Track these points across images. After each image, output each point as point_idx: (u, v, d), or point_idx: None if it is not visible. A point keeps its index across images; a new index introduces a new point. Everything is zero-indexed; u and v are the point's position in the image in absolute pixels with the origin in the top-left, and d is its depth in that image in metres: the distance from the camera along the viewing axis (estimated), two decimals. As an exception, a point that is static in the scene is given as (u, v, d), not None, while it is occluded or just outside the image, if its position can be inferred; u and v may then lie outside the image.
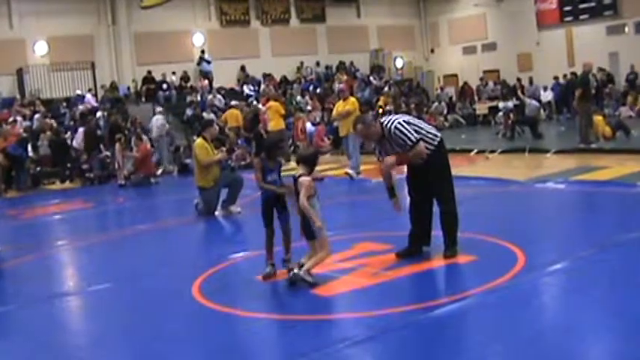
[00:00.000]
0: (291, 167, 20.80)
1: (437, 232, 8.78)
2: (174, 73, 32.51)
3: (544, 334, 5.86)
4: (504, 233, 9.25)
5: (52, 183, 22.66)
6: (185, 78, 33.07)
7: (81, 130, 23.56)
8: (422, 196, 8.72)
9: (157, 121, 25.00)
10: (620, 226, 9.78)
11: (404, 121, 8.39)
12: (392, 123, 8.29)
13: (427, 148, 8.35)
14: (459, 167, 17.16)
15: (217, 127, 14.13)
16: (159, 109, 26.91)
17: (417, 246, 8.69)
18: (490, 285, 7.12)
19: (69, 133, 25.28)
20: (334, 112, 18.02)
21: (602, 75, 31.19)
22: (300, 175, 7.92)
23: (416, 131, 8.29)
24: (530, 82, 34.08)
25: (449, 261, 8.36)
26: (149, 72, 31.80)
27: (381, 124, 8.39)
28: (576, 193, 12.08)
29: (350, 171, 16.81)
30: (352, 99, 17.65)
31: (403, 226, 8.98)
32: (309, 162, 8.14)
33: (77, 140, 23.48)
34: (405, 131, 8.22)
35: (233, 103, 27.64)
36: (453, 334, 6.22)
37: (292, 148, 24.73)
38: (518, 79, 34.99)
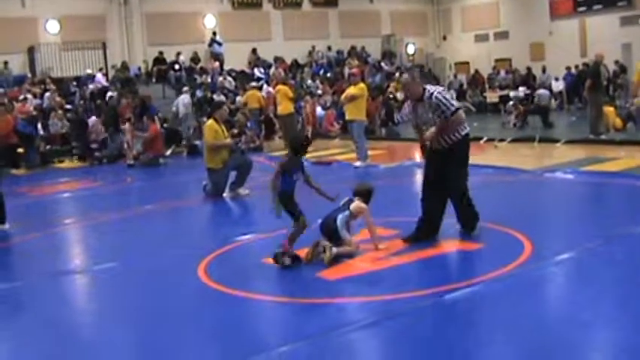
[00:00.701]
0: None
1: (445, 220, 8.77)
2: (179, 53, 32.36)
3: (549, 323, 5.85)
4: (512, 222, 9.22)
5: (61, 161, 22.69)
6: (195, 59, 33.04)
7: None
8: (436, 187, 8.77)
9: (184, 99, 25.82)
10: (628, 218, 9.75)
11: (445, 92, 8.76)
12: (434, 90, 8.54)
13: (458, 133, 8.58)
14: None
15: (227, 109, 14.09)
16: (185, 88, 27.28)
17: (424, 234, 8.71)
18: (497, 273, 7.11)
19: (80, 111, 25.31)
20: (342, 96, 17.94)
21: (616, 66, 31.05)
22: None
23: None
24: (543, 70, 33.96)
25: (456, 248, 8.38)
26: (160, 52, 31.79)
27: (424, 88, 8.55)
28: (585, 184, 12.04)
29: (357, 163, 16.61)
30: (362, 84, 17.56)
31: (410, 212, 8.98)
32: (364, 196, 8.63)
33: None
34: (446, 99, 8.52)
35: (253, 84, 27.77)
36: (458, 321, 6.21)
37: (302, 131, 24.71)
38: (529, 68, 34.87)
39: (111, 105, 23.91)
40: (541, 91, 26.89)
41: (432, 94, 8.47)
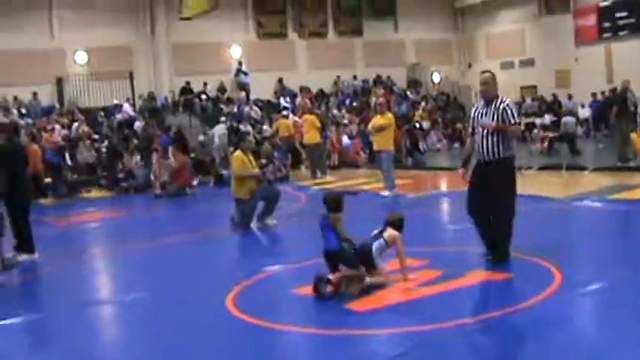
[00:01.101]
0: (325, 181, 20.98)
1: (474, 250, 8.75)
2: (205, 84, 32.59)
3: (579, 353, 5.81)
4: (541, 251, 9.18)
5: (88, 191, 22.79)
6: (222, 89, 33.21)
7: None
8: (483, 209, 9.08)
9: (220, 130, 25.93)
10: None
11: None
12: (507, 98, 9.17)
13: (510, 155, 8.97)
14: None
15: (252, 139, 14.16)
16: (222, 118, 27.64)
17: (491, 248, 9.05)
18: (526, 303, 7.08)
19: (106, 141, 25.46)
20: (370, 126, 17.94)
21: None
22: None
23: None
24: (570, 97, 33.81)
25: (484, 278, 8.34)
26: (187, 82, 32.00)
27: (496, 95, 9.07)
28: (614, 212, 11.98)
29: (385, 193, 16.56)
30: (389, 114, 17.56)
31: (438, 242, 8.96)
32: (396, 225, 8.57)
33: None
34: (514, 110, 9.02)
35: (284, 113, 28.00)
36: (485, 352, 6.19)
37: (329, 159, 24.78)
38: (554, 95, 34.78)
39: (144, 136, 23.92)
40: (567, 118, 26.77)
41: (504, 100, 9.01)
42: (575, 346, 6.03)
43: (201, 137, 26.08)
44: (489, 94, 9.09)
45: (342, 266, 8.07)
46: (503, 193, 8.95)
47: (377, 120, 17.12)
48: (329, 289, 7.83)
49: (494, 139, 8.85)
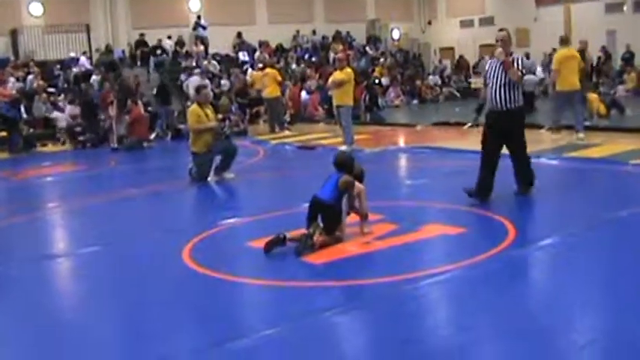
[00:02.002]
0: (283, 135, 20.96)
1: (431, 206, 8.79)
2: (169, 37, 32.28)
3: (530, 306, 5.90)
4: (496, 207, 9.30)
5: (44, 145, 22.54)
6: (180, 43, 32.86)
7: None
8: (494, 149, 9.90)
9: (195, 81, 25.46)
10: (611, 203, 9.81)
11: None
12: (517, 54, 10.33)
13: (518, 105, 9.94)
14: (452, 140, 17.25)
15: (210, 92, 14.07)
16: (197, 70, 27.35)
17: (481, 192, 9.80)
18: (480, 257, 7.14)
19: (62, 95, 25.13)
20: (329, 81, 17.92)
21: (601, 53, 31.12)
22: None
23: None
24: (527, 57, 33.92)
25: (440, 232, 8.41)
26: (141, 35, 31.56)
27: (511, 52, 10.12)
28: (569, 170, 12.10)
29: (343, 147, 16.56)
30: (348, 69, 17.52)
31: (395, 197, 8.99)
32: (358, 178, 8.53)
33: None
34: (522, 63, 10.09)
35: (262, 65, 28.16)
36: (442, 304, 6.25)
37: (286, 114, 24.68)
38: (510, 54, 34.90)
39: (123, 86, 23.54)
40: (529, 76, 26.91)
41: (518, 57, 10.11)
42: (527, 299, 6.12)
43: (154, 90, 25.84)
44: (506, 50, 10.01)
45: (323, 230, 8.04)
46: (517, 135, 9.99)
47: (336, 75, 17.11)
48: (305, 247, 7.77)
49: (505, 90, 9.78)
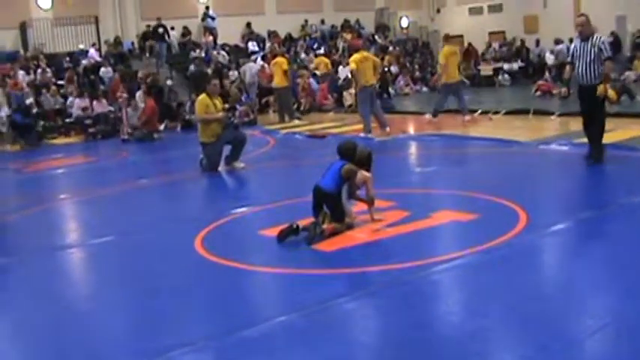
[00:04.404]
0: (293, 125, 20.97)
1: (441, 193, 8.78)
2: (172, 28, 32.22)
3: (543, 291, 5.91)
4: (508, 193, 9.28)
5: (53, 137, 22.59)
6: (185, 34, 32.84)
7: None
8: (590, 117, 11.46)
9: (252, 69, 26.90)
10: (621, 189, 9.82)
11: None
12: (601, 36, 11.55)
13: (601, 81, 11.13)
14: (461, 128, 17.24)
15: (218, 83, 14.10)
16: (253, 57, 28.28)
17: (592, 154, 11.38)
18: (492, 243, 7.15)
19: (70, 87, 25.14)
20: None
21: (611, 38, 31.00)
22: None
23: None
24: (537, 44, 33.82)
25: (451, 219, 8.42)
26: (148, 26, 31.54)
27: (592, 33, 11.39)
28: (579, 156, 12.05)
29: (362, 134, 16.62)
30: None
31: (405, 184, 8.99)
32: (365, 163, 8.55)
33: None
34: (607, 45, 11.29)
35: (321, 51, 30.55)
36: (454, 290, 6.26)
37: (296, 105, 24.68)
38: (522, 41, 34.81)
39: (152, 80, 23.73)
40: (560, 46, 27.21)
41: (599, 37, 11.29)
42: (539, 285, 6.12)
43: (168, 82, 25.88)
44: (585, 33, 11.26)
45: (331, 218, 8.05)
46: (596, 108, 11.30)
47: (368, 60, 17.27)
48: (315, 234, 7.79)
49: (591, 69, 11.09)
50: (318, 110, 25.71)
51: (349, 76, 23.38)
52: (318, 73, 28.51)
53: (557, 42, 31.40)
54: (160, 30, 30.98)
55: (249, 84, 26.85)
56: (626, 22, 32.03)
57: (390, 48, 35.52)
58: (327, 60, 28.00)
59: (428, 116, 19.64)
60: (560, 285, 6.10)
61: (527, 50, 34.41)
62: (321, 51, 33.68)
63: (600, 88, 11.10)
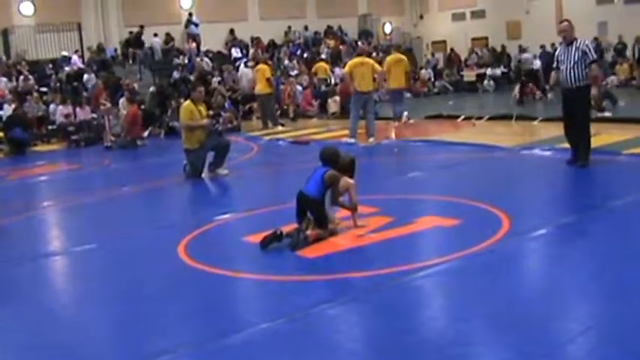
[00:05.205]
0: (276, 131, 20.96)
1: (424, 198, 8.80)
2: (156, 34, 32.21)
3: (526, 297, 5.93)
4: (490, 198, 9.31)
5: (35, 145, 22.45)
6: (169, 40, 32.80)
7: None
8: (571, 121, 11.65)
9: (247, 74, 26.62)
10: (604, 193, 9.86)
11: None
12: (586, 39, 11.94)
13: (586, 83, 11.40)
14: (445, 133, 17.28)
15: (202, 90, 14.08)
16: (250, 63, 27.68)
17: (576, 157, 11.54)
18: (474, 248, 7.16)
19: (55, 94, 25.01)
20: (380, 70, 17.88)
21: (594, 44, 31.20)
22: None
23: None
24: (520, 50, 33.82)
25: (434, 224, 8.44)
26: (130, 32, 31.50)
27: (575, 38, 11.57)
28: (562, 161, 12.11)
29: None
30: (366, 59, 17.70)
31: (388, 190, 9.00)
32: (348, 170, 8.53)
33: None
34: (592, 48, 11.64)
35: (323, 56, 31.60)
36: (437, 296, 6.27)
37: (279, 111, 24.69)
38: (503, 47, 34.97)
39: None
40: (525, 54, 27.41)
41: (584, 41, 11.59)
42: (522, 289, 6.14)
43: (151, 89, 25.83)
44: (569, 38, 11.53)
45: (314, 224, 8.05)
46: (582, 110, 11.53)
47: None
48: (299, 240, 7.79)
49: (575, 72, 11.34)
50: (301, 116, 25.74)
51: (338, 81, 23.64)
52: (316, 78, 28.88)
53: (522, 50, 31.60)
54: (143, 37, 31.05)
55: (243, 88, 26.98)
56: (607, 27, 32.21)
57: (374, 54, 35.56)
58: (326, 65, 28.12)
59: (404, 119, 20.37)
60: (543, 289, 6.12)
61: (509, 56, 34.60)
62: (305, 56, 33.85)
63: (593, 91, 11.48)
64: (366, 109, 16.92)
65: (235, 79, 28.29)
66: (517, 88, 25.42)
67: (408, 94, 24.62)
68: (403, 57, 20.82)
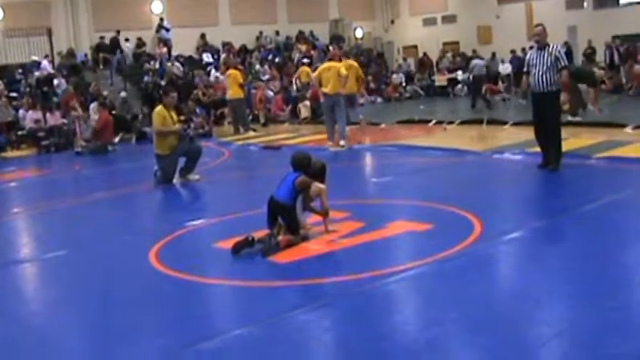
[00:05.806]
0: (248, 136, 20.93)
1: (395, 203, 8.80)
2: (127, 39, 32.09)
3: (499, 300, 5.94)
4: (461, 202, 9.33)
5: (4, 151, 22.24)
6: (140, 45, 32.67)
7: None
8: (542, 126, 11.83)
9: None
10: (575, 196, 9.91)
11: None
12: (558, 45, 12.28)
13: (557, 88, 11.58)
14: (417, 137, 17.32)
15: (175, 95, 14.00)
16: (208, 68, 28.10)
17: (546, 161, 11.71)
18: (446, 253, 7.17)
19: (24, 99, 24.81)
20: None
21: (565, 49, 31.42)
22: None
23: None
24: (493, 56, 33.80)
25: (406, 229, 8.43)
26: (101, 37, 31.33)
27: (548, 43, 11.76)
28: (533, 165, 12.17)
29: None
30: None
31: (361, 195, 8.99)
32: (318, 175, 8.51)
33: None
34: (563, 55, 11.84)
35: (305, 60, 31.39)
36: (409, 300, 6.27)
37: (251, 117, 24.66)
38: (474, 51, 35.17)
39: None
40: (475, 61, 27.35)
41: (556, 47, 11.79)
42: (495, 293, 6.15)
43: (122, 94, 25.72)
44: (542, 42, 11.68)
45: (286, 230, 8.04)
46: (552, 114, 11.71)
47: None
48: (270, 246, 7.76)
49: (547, 77, 11.49)
50: (272, 121, 25.72)
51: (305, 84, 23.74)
52: (299, 82, 28.72)
53: (473, 57, 31.78)
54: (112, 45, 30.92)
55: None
56: (576, 32, 32.46)
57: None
58: (308, 69, 28.08)
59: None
60: (515, 293, 6.13)
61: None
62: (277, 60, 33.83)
63: (563, 97, 11.61)
64: (335, 111, 16.91)
65: (208, 84, 28.19)
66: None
67: (362, 100, 24.57)
68: (354, 63, 20.79)
